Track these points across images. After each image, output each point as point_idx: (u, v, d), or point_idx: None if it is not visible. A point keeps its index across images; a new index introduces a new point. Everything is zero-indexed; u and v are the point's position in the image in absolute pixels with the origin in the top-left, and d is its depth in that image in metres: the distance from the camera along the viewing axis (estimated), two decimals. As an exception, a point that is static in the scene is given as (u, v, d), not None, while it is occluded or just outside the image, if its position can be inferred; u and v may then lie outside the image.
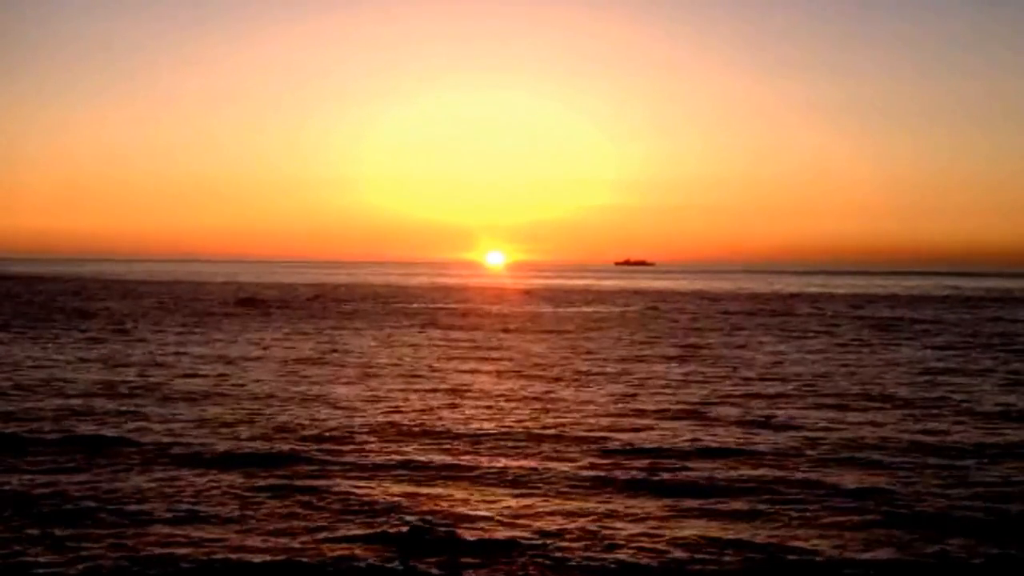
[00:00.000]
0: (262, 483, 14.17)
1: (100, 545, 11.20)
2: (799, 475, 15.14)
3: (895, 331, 48.43)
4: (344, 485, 13.99)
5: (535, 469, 15.39)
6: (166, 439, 17.39)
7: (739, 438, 18.22)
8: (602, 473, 15.16)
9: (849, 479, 14.89)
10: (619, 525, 12.34)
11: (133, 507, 12.71)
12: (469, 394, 23.95)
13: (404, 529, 11.79)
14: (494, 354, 34.47)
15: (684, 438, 18.13)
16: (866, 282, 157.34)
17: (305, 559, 10.78)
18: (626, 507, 13.20)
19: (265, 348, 35.52)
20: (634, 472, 15.20)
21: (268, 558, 10.80)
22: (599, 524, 12.33)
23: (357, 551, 11.06)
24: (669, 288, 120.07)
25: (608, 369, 29.87)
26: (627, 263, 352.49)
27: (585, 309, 68.81)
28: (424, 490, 13.88)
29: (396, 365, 30.33)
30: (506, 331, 46.12)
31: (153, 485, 13.96)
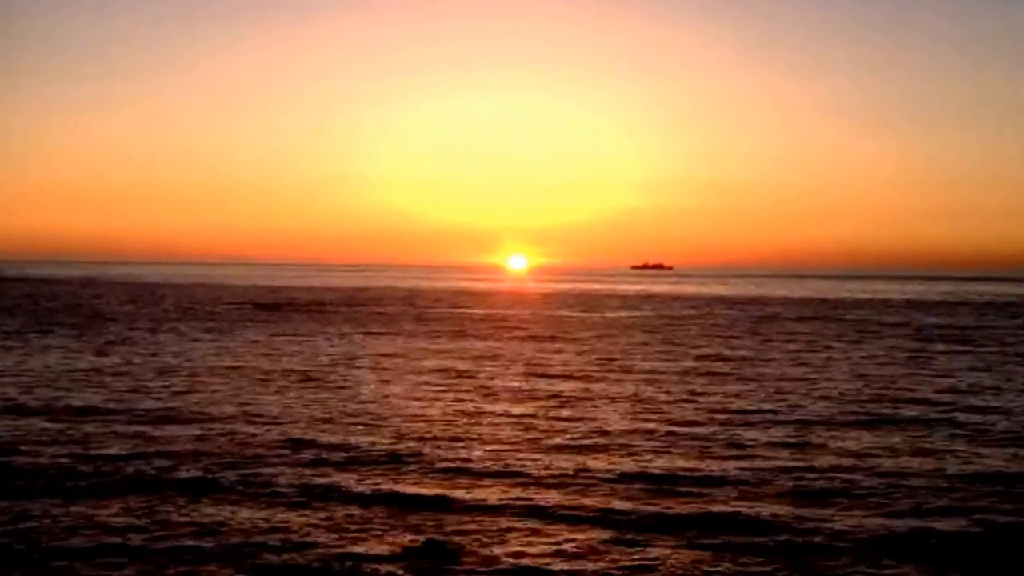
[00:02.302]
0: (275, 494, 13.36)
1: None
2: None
3: (947, 341, 46.82)
4: (361, 497, 13.52)
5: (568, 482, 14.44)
6: (202, 449, 16.49)
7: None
8: (647, 507, 14.01)
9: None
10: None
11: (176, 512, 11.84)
12: (497, 403, 23.00)
13: (419, 542, 11.44)
14: (521, 362, 33.49)
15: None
16: (898, 287, 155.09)
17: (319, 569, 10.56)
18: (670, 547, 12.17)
19: (337, 351, 34.70)
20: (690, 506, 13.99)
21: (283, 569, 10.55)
22: (626, 557, 11.34)
23: (370, 564, 10.74)
24: (699, 293, 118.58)
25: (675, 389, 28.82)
26: (644, 267, 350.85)
27: (621, 314, 67.69)
28: (443, 503, 13.33)
29: (441, 371, 29.45)
30: (552, 339, 45.14)
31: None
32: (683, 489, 14.11)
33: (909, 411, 21.97)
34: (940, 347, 40.54)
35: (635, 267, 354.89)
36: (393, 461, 15.76)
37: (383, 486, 14.10)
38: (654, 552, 11.24)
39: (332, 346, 37.06)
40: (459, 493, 13.76)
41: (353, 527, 12.06)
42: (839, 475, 15.17)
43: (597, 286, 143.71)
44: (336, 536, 11.69)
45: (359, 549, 11.22)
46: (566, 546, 11.42)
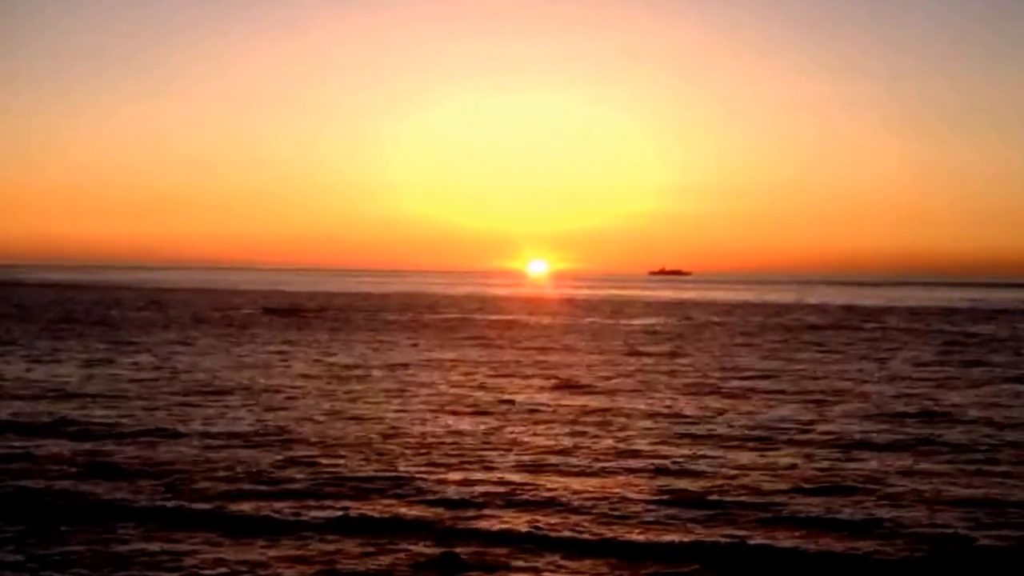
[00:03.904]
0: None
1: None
2: None
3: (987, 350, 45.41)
4: (379, 508, 13.14)
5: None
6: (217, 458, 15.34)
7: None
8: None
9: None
10: None
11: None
12: (537, 414, 21.80)
13: (437, 553, 11.16)
14: (558, 371, 32.29)
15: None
16: (924, 293, 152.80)
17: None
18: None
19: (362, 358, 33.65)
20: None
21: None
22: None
23: (384, 571, 10.63)
24: (721, 300, 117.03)
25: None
26: (662, 272, 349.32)
27: (645, 321, 66.40)
28: (463, 515, 12.92)
29: (463, 385, 28.25)
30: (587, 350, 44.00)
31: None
32: (709, 513, 12.85)
33: (949, 428, 20.58)
34: (978, 357, 39.05)
35: (653, 273, 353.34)
36: (399, 484, 14.56)
37: (392, 508, 13.00)
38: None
39: (353, 354, 35.96)
40: (475, 518, 12.59)
41: (367, 537, 11.78)
42: (877, 502, 13.85)
43: (618, 292, 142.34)
44: (350, 546, 11.43)
45: (379, 557, 11.03)
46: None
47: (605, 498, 13.90)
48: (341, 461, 16.12)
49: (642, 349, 41.08)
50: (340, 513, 12.80)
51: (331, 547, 11.42)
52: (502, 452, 17.20)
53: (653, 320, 67.26)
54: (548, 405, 23.23)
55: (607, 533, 12.13)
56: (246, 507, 13.04)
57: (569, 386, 27.17)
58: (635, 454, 17.17)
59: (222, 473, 14.98)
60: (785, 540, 11.94)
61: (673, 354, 38.64)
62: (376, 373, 29.69)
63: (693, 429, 19.97)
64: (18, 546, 11.20)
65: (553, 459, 16.62)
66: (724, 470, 15.88)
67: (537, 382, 28.18)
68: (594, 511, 13.15)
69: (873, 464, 16.55)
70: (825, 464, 16.57)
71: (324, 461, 16.04)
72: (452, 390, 25.74)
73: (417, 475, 15.13)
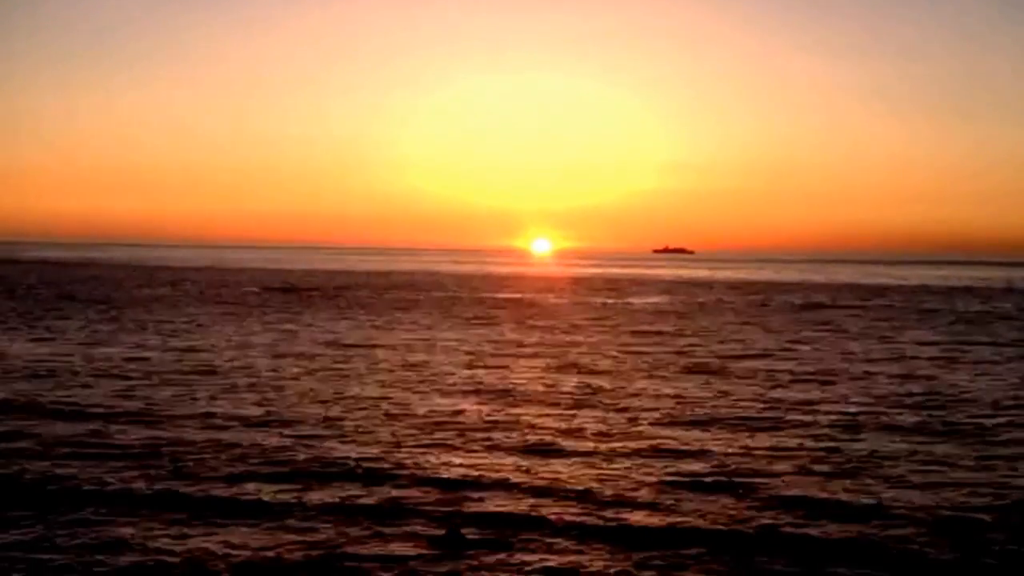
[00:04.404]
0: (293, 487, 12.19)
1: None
2: None
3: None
4: (383, 490, 13.15)
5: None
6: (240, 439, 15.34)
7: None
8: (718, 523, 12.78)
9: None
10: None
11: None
12: (527, 400, 21.75)
13: (441, 535, 11.21)
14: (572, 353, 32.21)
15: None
16: (931, 272, 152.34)
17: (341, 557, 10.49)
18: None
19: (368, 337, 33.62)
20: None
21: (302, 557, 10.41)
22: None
23: (390, 551, 10.71)
24: (730, 278, 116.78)
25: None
26: (665, 250, 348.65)
27: (651, 299, 66.32)
28: (467, 497, 12.95)
29: (471, 365, 28.17)
30: (600, 328, 43.90)
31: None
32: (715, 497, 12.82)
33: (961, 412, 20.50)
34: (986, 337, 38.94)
35: (656, 251, 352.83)
36: (402, 466, 14.53)
37: (392, 493, 12.94)
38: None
39: (356, 334, 35.92)
40: (479, 500, 12.57)
41: (373, 518, 11.89)
42: (881, 484, 13.80)
43: (621, 270, 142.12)
44: (357, 526, 11.55)
45: (386, 538, 11.12)
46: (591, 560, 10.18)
47: (609, 480, 13.87)
48: (345, 443, 16.11)
49: (646, 328, 41.01)
50: (344, 495, 12.79)
51: (335, 529, 11.41)
52: (506, 434, 17.17)
53: (657, 299, 67.15)
54: (552, 386, 23.18)
55: (611, 515, 12.09)
56: (249, 489, 13.02)
57: (573, 367, 27.11)
58: (639, 436, 17.13)
59: (225, 455, 14.95)
60: (789, 523, 11.90)
61: (678, 333, 38.57)
62: (379, 353, 29.65)
63: (698, 410, 19.93)
64: (15, 529, 11.18)
65: (557, 441, 16.58)
66: (729, 452, 15.83)
67: (541, 362, 28.12)
68: (598, 493, 13.12)
69: (877, 445, 16.50)
70: (830, 445, 16.52)
71: (328, 443, 16.03)
72: (455, 371, 25.69)
73: (421, 457, 15.12)
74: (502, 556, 10.63)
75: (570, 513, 12.19)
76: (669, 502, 12.75)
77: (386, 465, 14.51)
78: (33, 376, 23.17)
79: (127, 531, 11.14)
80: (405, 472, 14.11)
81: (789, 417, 19.21)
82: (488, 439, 16.67)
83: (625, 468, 14.63)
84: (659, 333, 38.81)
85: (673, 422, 18.59)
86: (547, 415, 19.17)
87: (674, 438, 16.93)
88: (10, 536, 10.93)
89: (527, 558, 10.58)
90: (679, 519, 12.02)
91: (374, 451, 15.49)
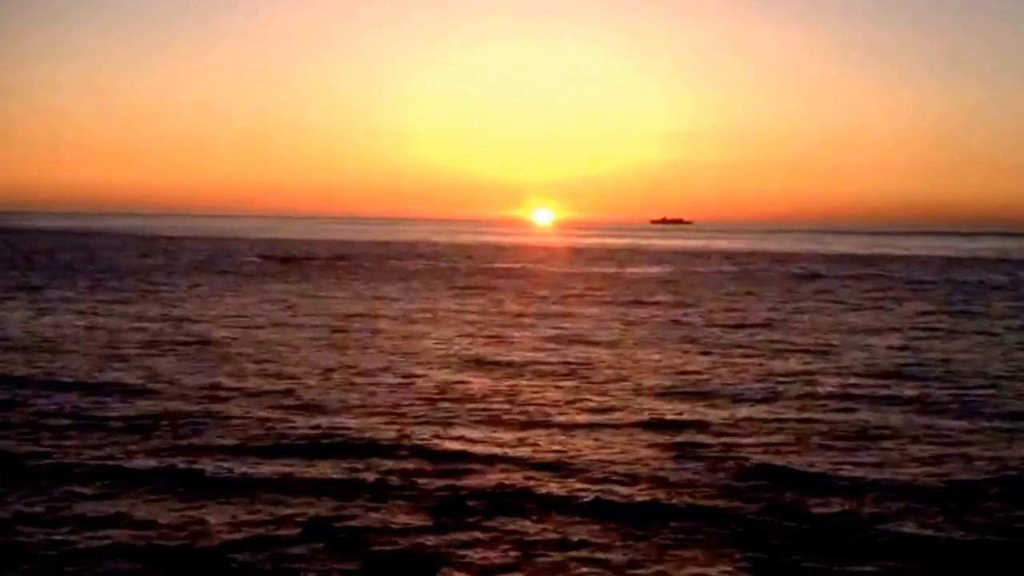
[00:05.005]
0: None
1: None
2: None
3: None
4: (383, 462, 13.16)
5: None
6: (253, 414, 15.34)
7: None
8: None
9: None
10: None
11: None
12: (526, 373, 21.73)
13: (441, 504, 11.37)
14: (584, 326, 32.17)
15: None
16: (932, 242, 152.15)
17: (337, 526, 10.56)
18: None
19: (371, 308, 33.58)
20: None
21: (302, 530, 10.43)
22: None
23: (386, 519, 10.84)
24: (728, 248, 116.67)
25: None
26: (664, 221, 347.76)
27: (650, 269, 66.24)
28: (467, 469, 12.99)
29: (476, 337, 28.15)
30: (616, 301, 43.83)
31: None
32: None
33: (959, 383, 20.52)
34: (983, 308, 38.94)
35: (654, 221, 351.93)
36: (402, 439, 14.54)
37: (392, 465, 12.95)
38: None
39: (356, 305, 35.89)
40: (479, 472, 12.59)
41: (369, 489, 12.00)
42: (881, 456, 13.82)
43: (620, 240, 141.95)
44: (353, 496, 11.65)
45: (386, 509, 11.22)
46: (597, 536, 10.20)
47: (608, 451, 13.89)
48: (345, 415, 16.11)
49: (646, 299, 40.98)
50: (345, 468, 12.79)
51: (336, 502, 11.41)
52: (506, 405, 17.18)
53: (656, 269, 67.12)
54: (551, 357, 23.18)
55: (610, 488, 12.11)
56: (250, 463, 13.01)
57: (573, 339, 27.09)
58: (639, 408, 17.14)
59: (224, 429, 14.94)
60: (788, 495, 11.91)
61: (677, 304, 38.56)
62: (379, 324, 29.64)
63: (698, 382, 19.94)
64: (11, 503, 11.15)
65: (557, 412, 16.60)
66: (727, 423, 15.85)
67: (540, 333, 28.12)
68: (598, 465, 13.13)
69: (874, 417, 16.51)
70: (828, 417, 16.53)
71: (328, 416, 16.03)
72: (455, 343, 25.67)
73: (421, 428, 15.13)
74: (502, 527, 10.64)
75: (569, 485, 12.21)
76: (668, 474, 12.77)
77: (386, 437, 14.52)
78: (32, 347, 23.13)
79: (125, 505, 11.14)
80: (406, 444, 14.11)
81: (787, 388, 19.23)
82: (488, 410, 16.69)
83: (624, 440, 14.65)
84: (657, 303, 38.82)
85: (671, 393, 18.62)
86: (547, 386, 19.19)
87: (673, 409, 16.96)
88: (9, 510, 10.92)
89: (527, 528, 10.61)
90: (678, 491, 12.04)
91: (374, 423, 15.52)
